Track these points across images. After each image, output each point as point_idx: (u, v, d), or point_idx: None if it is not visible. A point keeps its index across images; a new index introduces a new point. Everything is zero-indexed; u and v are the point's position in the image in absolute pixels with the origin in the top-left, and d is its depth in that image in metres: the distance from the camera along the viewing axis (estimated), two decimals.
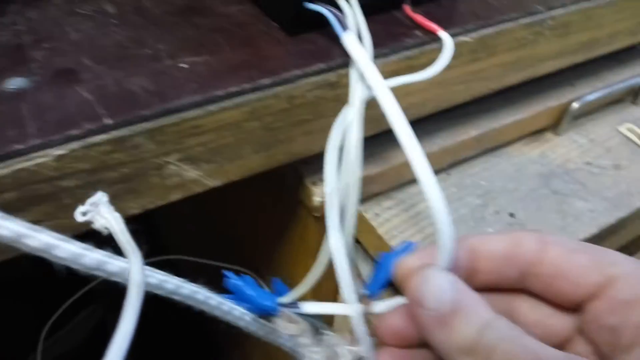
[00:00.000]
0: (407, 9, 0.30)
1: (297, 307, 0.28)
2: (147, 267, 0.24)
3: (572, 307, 0.23)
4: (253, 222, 0.49)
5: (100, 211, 0.22)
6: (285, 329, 0.27)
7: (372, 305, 0.26)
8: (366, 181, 0.35)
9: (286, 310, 0.28)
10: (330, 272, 0.37)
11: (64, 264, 0.21)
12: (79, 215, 0.21)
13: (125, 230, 0.22)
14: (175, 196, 0.26)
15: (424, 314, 0.22)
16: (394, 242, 0.34)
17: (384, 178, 0.35)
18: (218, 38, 0.27)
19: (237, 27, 0.28)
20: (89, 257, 0.21)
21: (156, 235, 0.86)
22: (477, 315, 0.21)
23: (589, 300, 0.23)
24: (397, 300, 0.26)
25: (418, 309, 0.22)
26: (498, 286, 0.24)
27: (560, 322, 0.24)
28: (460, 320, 0.21)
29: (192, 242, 0.73)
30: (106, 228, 0.22)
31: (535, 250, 0.23)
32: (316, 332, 0.28)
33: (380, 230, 0.35)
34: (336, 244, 0.25)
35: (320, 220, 0.36)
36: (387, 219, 0.35)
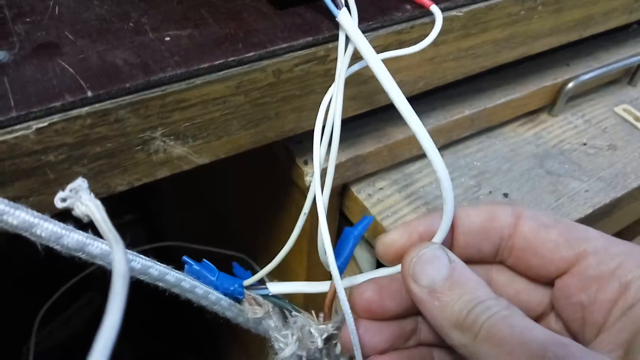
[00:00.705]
0: None
1: (265, 289, 0.27)
2: (131, 252, 0.23)
3: (546, 282, 0.23)
4: (248, 206, 0.48)
5: (80, 197, 0.21)
6: (251, 312, 0.27)
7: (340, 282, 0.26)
8: (359, 161, 0.34)
9: (250, 293, 0.27)
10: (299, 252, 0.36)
11: (44, 244, 0.21)
12: (58, 202, 0.21)
13: (107, 218, 0.21)
14: (162, 173, 0.26)
15: (418, 289, 0.21)
16: (387, 223, 0.34)
17: (377, 158, 0.35)
18: (203, 12, 0.27)
19: (223, 0, 0.28)
20: (70, 237, 0.21)
21: (153, 222, 0.86)
22: (469, 292, 0.21)
23: (559, 276, 0.22)
24: (365, 276, 0.25)
25: (412, 285, 0.22)
26: (476, 259, 0.24)
27: (536, 297, 0.24)
28: (452, 296, 0.21)
29: (190, 229, 0.73)
30: (87, 215, 0.21)
31: (509, 225, 0.23)
32: (284, 313, 0.28)
33: (374, 211, 0.35)
34: (323, 221, 0.25)
35: (313, 202, 0.35)
36: (380, 200, 0.35)
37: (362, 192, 0.35)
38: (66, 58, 0.23)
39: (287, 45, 0.25)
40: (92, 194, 0.21)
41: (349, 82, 0.28)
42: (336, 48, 0.26)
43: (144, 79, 0.22)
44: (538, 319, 0.24)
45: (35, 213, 0.20)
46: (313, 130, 0.29)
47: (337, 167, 0.33)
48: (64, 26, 0.25)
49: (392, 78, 0.23)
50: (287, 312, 0.28)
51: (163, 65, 0.23)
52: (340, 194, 0.37)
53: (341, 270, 0.26)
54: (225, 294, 0.26)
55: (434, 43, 0.28)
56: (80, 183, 0.21)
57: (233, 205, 0.52)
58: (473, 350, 0.20)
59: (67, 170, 0.23)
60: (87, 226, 0.21)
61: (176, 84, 0.23)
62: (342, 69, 0.25)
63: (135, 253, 0.24)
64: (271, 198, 0.41)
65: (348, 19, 0.25)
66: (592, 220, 0.36)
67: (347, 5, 0.27)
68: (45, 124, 0.21)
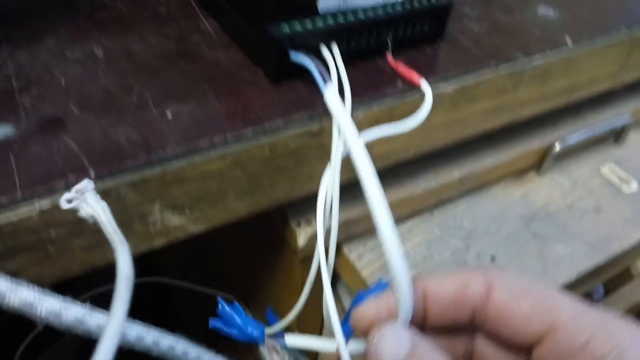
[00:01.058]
0: (390, 58, 0.30)
1: (282, 339, 0.29)
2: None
3: (523, 349, 0.24)
4: (243, 257, 0.49)
5: (86, 199, 0.21)
6: (269, 358, 0.28)
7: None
8: (351, 223, 0.35)
9: (271, 341, 0.29)
10: (315, 307, 0.38)
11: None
12: (64, 203, 0.21)
13: (113, 220, 0.21)
14: (159, 242, 0.27)
15: None
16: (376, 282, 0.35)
17: (368, 219, 0.36)
18: (204, 86, 0.28)
19: (223, 73, 0.29)
20: (70, 310, 0.22)
21: (148, 254, 0.85)
22: None
23: (534, 346, 0.23)
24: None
25: None
26: (452, 327, 0.25)
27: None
28: None
29: (184, 265, 0.73)
30: (92, 217, 0.21)
31: (481, 294, 0.23)
32: None
33: (363, 271, 0.35)
34: (326, 284, 0.26)
35: (303, 261, 0.36)
36: (370, 260, 0.36)
37: (353, 252, 0.36)
38: (71, 135, 0.24)
39: (283, 122, 0.26)
40: (97, 195, 0.21)
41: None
42: (330, 123, 0.27)
43: (145, 159, 0.23)
44: None
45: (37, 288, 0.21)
46: (306, 195, 0.30)
47: (329, 230, 0.34)
48: (69, 99, 0.26)
49: (367, 161, 0.24)
50: None
51: (164, 144, 0.24)
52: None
53: (349, 334, 0.28)
54: (248, 337, 0.29)
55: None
56: (86, 184, 0.21)
57: (230, 254, 0.52)
58: None
59: (68, 244, 0.24)
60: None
61: (176, 161, 0.24)
62: (338, 152, 0.26)
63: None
64: (264, 251, 0.42)
65: (335, 98, 0.26)
66: (576, 284, 0.37)
67: (340, 82, 0.28)
68: (49, 203, 0.22)
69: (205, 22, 0.33)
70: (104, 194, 0.23)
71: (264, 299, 0.48)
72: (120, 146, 0.24)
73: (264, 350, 0.30)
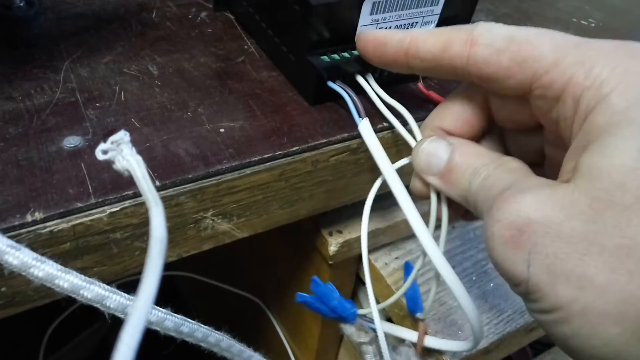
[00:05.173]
0: (421, 86, 0.33)
1: (371, 322, 0.32)
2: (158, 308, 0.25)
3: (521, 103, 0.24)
4: (269, 259, 0.51)
5: (122, 151, 0.20)
6: (356, 336, 0.32)
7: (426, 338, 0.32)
8: (378, 233, 0.38)
9: (361, 321, 0.32)
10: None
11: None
12: (99, 154, 0.20)
13: (147, 176, 0.20)
14: (208, 245, 0.29)
15: (432, 180, 0.26)
16: (400, 293, 0.37)
17: (395, 230, 0.38)
18: (252, 103, 0.30)
19: (268, 93, 0.31)
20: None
21: None
22: (469, 167, 0.24)
23: (526, 94, 0.23)
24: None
25: (426, 179, 0.26)
26: (438, 75, 0.26)
27: (526, 112, 0.24)
28: (457, 174, 0.25)
29: (199, 261, 0.75)
30: (127, 170, 0.20)
31: (462, 55, 0.24)
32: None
33: (389, 278, 0.38)
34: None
35: (333, 266, 0.38)
36: (395, 269, 0.38)
37: (379, 261, 0.38)
38: (134, 146, 0.26)
39: (325, 140, 0.29)
40: (133, 149, 0.20)
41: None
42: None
43: (204, 171, 0.26)
44: (535, 130, 0.25)
45: (105, 286, 0.23)
46: (339, 206, 0.32)
47: (357, 239, 0.37)
48: (130, 113, 0.29)
49: (404, 190, 0.27)
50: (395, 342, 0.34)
51: (220, 157, 0.26)
52: (358, 261, 0.40)
53: (424, 313, 0.32)
54: (338, 314, 0.32)
55: None
56: (122, 136, 0.20)
57: (255, 256, 0.54)
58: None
59: (130, 245, 0.26)
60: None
61: (230, 174, 0.26)
62: (378, 179, 0.29)
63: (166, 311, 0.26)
64: (291, 256, 0.44)
65: (367, 129, 0.28)
66: None
67: (388, 106, 0.30)
68: (118, 208, 0.24)
69: (249, 43, 0.35)
70: (166, 201, 0.25)
71: (285, 300, 0.50)
72: (180, 159, 0.26)
73: (350, 329, 0.32)
